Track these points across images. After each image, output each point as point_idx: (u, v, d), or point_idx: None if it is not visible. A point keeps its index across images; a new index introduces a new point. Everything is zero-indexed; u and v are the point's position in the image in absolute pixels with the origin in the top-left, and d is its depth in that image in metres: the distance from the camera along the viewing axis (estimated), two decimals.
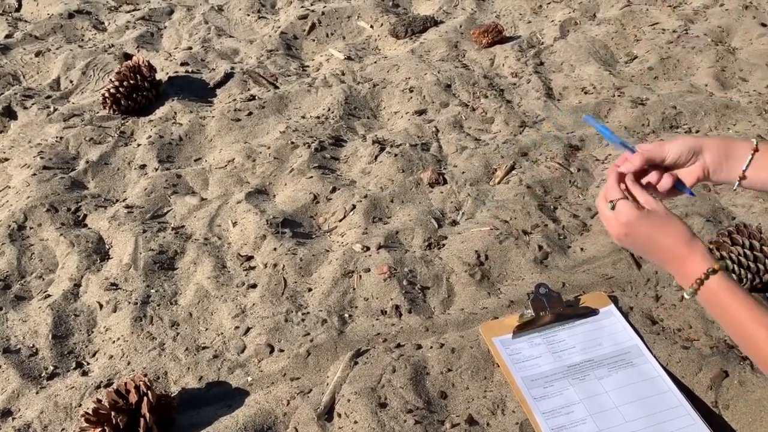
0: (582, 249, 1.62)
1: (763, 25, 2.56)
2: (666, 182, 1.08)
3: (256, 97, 2.31)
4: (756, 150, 1.05)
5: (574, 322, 1.38)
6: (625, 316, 1.40)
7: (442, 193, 1.85)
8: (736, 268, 1.38)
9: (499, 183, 1.86)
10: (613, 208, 1.03)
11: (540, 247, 1.61)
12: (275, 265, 1.60)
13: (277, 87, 2.41)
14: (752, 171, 1.05)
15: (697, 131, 2.03)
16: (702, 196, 1.74)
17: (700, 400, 1.25)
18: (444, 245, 1.66)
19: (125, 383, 1.23)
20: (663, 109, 2.09)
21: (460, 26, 2.75)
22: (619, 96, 2.20)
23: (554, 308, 1.39)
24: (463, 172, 1.90)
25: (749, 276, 1.39)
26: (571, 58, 2.48)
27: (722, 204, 1.73)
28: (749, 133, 1.96)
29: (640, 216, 1.00)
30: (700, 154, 1.06)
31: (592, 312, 1.40)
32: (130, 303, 1.53)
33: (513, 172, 1.89)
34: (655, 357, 1.30)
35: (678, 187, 1.09)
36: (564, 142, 1.99)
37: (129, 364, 1.40)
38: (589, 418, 1.20)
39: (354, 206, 1.79)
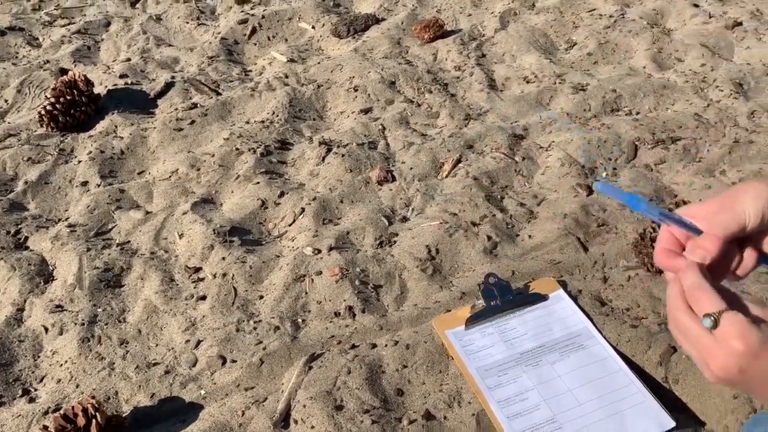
0: (530, 236, 1.64)
1: (696, 5, 2.63)
2: (750, 261, 0.73)
3: (198, 105, 2.28)
4: None
5: (524, 310, 1.40)
6: (575, 299, 1.42)
7: (391, 190, 1.85)
8: None
9: (446, 177, 1.87)
10: (715, 326, 0.63)
11: (489, 238, 1.62)
12: (224, 275, 1.58)
13: (219, 93, 2.38)
14: None
15: (638, 112, 2.07)
16: (644, 177, 1.78)
17: (650, 377, 1.27)
18: (395, 242, 1.66)
19: (72, 407, 1.20)
20: (603, 94, 2.13)
21: (402, 23, 2.76)
22: (560, 83, 2.24)
23: (504, 297, 1.41)
24: (411, 168, 1.91)
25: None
26: (512, 48, 2.51)
27: (664, 183, 1.77)
28: (687, 112, 2.01)
29: (764, 339, 0.62)
30: None
31: (541, 298, 1.42)
32: (76, 324, 1.49)
33: (460, 165, 1.91)
34: (605, 338, 1.33)
35: (763, 261, 0.74)
36: (508, 132, 2.01)
37: (78, 386, 1.36)
38: (543, 404, 1.21)
39: (303, 209, 1.78)
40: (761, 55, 2.26)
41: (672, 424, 1.16)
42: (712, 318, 0.63)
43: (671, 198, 1.70)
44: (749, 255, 0.73)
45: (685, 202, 1.47)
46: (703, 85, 2.14)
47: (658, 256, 0.74)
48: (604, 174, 1.81)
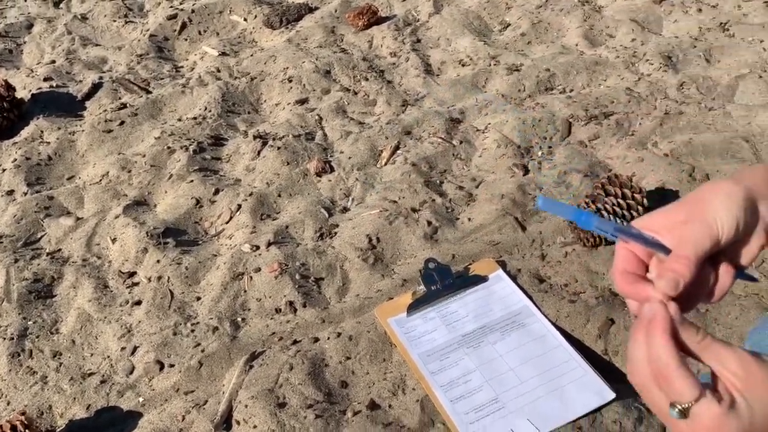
0: (469, 219, 1.65)
1: None
2: (726, 279, 0.61)
3: (128, 105, 2.22)
4: None
5: (465, 292, 1.41)
6: (514, 278, 1.43)
7: (330, 181, 1.83)
8: (611, 218, 1.44)
9: (385, 164, 1.87)
10: (683, 416, 0.53)
11: (429, 223, 1.62)
12: (159, 278, 1.54)
13: (149, 92, 2.32)
14: None
15: (571, 90, 2.10)
16: (579, 153, 1.81)
17: (590, 350, 1.29)
18: (336, 234, 1.65)
19: (0, 425, 1.16)
20: (537, 73, 2.15)
21: (335, 11, 2.73)
22: (495, 65, 2.25)
23: (445, 281, 1.41)
24: (350, 158, 1.89)
25: (624, 224, 1.45)
26: (446, 32, 2.51)
27: (598, 158, 1.80)
28: (619, 87, 2.05)
29: (744, 425, 0.52)
30: (756, 209, 0.60)
31: (482, 279, 1.43)
32: (5, 339, 1.44)
33: (398, 151, 1.90)
34: (544, 315, 1.34)
35: (740, 276, 0.63)
36: (445, 116, 2.01)
37: (9, 404, 1.31)
38: (486, 384, 1.22)
39: (240, 206, 1.75)
40: (688, 28, 2.32)
41: (612, 395, 1.18)
42: (680, 409, 0.52)
43: (606, 172, 1.73)
44: (725, 272, 0.61)
45: (617, 176, 1.49)
46: (634, 60, 2.18)
47: (618, 281, 0.61)
48: (539, 153, 1.83)
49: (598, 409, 1.16)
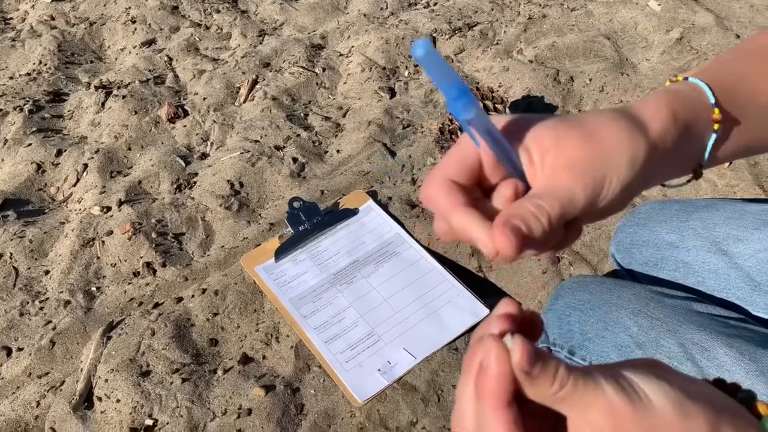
0: (338, 151, 1.60)
1: None
2: (574, 235, 0.50)
3: None
4: (719, 120, 0.53)
5: (335, 228, 1.37)
6: (385, 207, 1.41)
7: (185, 126, 1.73)
8: None
9: (244, 102, 1.78)
10: None
11: (295, 160, 1.56)
12: (1, 256, 1.42)
13: None
14: (713, 154, 0.54)
15: (435, 4, 2.05)
16: None
17: (465, 270, 1.30)
18: (195, 183, 1.56)
19: None
20: None
21: None
22: None
23: (313, 220, 1.37)
24: (205, 99, 1.79)
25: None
26: None
27: (465, 71, 1.78)
28: None
29: None
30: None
31: (352, 213, 1.39)
32: None
33: (257, 86, 1.81)
34: (416, 240, 1.33)
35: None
36: (305, 43, 1.92)
37: None
38: (361, 320, 1.21)
39: (86, 165, 1.62)
40: None
41: (486, 311, 1.19)
42: None
43: (473, 86, 1.71)
44: (576, 228, 0.50)
45: (478, 89, 1.47)
46: None
47: (433, 184, 0.47)
48: (405, 73, 1.79)
49: (474, 327, 1.17)
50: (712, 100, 0.52)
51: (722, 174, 1.35)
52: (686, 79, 0.53)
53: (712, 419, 0.37)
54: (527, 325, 0.41)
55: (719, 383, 0.43)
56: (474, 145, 0.47)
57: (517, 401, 0.38)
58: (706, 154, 0.53)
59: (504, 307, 0.41)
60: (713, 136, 0.52)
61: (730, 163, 1.37)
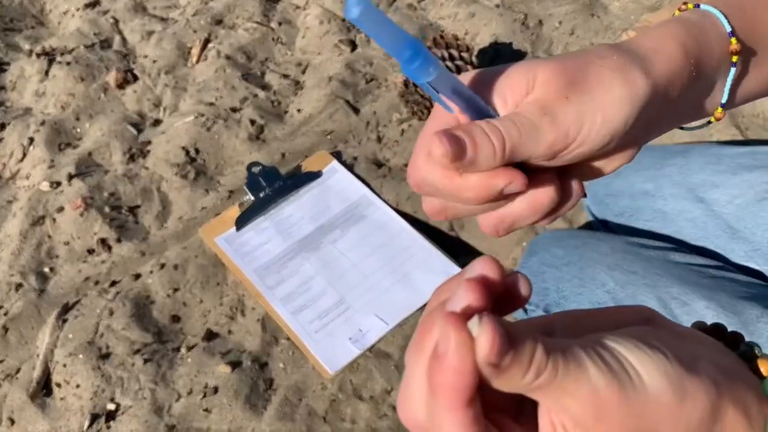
0: (298, 110, 1.54)
1: None
2: (577, 193, 0.44)
3: None
4: (737, 52, 0.45)
5: (299, 192, 1.32)
6: (350, 168, 1.36)
7: (135, 92, 1.65)
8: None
9: (197, 62, 1.70)
10: None
11: (253, 122, 1.50)
12: None
13: None
14: (732, 92, 0.48)
15: None
16: (409, 18, 1.71)
17: (436, 229, 1.26)
18: (149, 152, 1.50)
19: None
20: None
21: None
22: None
23: (273, 185, 1.32)
24: (155, 62, 1.71)
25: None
26: None
27: (429, 19, 1.71)
28: None
29: None
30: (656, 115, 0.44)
31: (315, 176, 1.35)
32: None
33: (210, 45, 1.73)
34: (385, 201, 1.29)
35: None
36: None
37: None
38: (329, 288, 1.17)
39: (32, 139, 1.55)
40: None
41: (458, 270, 1.16)
42: None
43: (438, 34, 1.65)
44: (576, 186, 0.44)
45: (443, 36, 1.41)
46: None
47: (420, 169, 0.40)
48: None
49: None
50: (728, 29, 0.45)
51: None
52: (697, 6, 0.46)
53: (713, 396, 0.32)
54: (508, 293, 0.33)
55: (718, 330, 0.38)
56: (448, 112, 0.40)
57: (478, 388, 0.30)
58: (725, 93, 0.46)
59: (478, 268, 0.32)
60: (732, 71, 0.45)
61: None
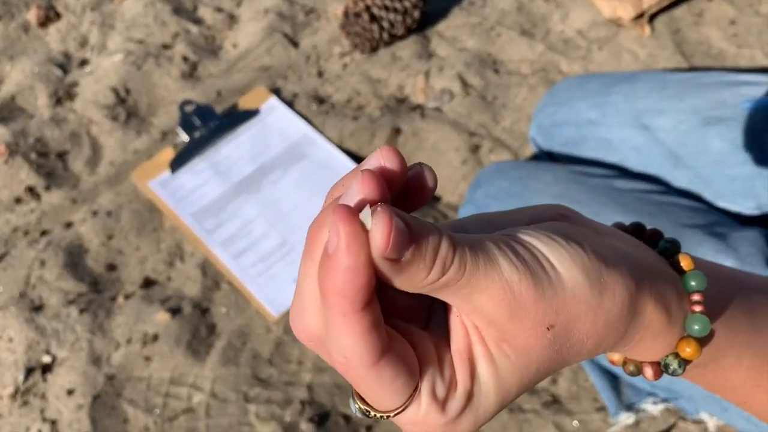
0: (234, 45, 1.48)
1: None
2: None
3: None
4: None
5: (236, 131, 1.28)
6: (291, 105, 1.32)
7: (59, 31, 1.57)
8: (384, 14, 1.33)
9: None
10: (370, 417, 0.31)
11: (186, 59, 1.44)
12: None
13: None
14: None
15: None
16: None
17: None
18: (76, 94, 1.43)
19: None
20: None
21: None
22: None
23: (209, 124, 1.28)
24: None
25: (395, 27, 1.35)
26: None
27: None
28: None
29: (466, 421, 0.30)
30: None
31: (252, 113, 1.31)
32: None
33: None
34: (327, 139, 1.26)
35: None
36: None
37: None
38: (271, 229, 1.15)
39: None
40: None
41: None
42: (362, 410, 0.30)
43: None
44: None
45: None
46: None
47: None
48: None
49: None
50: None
51: (643, 43, 1.31)
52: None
53: (632, 290, 0.30)
54: (411, 186, 0.29)
55: (638, 230, 0.36)
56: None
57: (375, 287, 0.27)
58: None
59: (375, 159, 0.28)
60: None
61: (652, 30, 1.33)
